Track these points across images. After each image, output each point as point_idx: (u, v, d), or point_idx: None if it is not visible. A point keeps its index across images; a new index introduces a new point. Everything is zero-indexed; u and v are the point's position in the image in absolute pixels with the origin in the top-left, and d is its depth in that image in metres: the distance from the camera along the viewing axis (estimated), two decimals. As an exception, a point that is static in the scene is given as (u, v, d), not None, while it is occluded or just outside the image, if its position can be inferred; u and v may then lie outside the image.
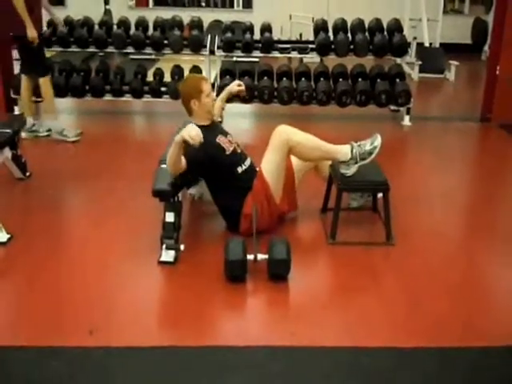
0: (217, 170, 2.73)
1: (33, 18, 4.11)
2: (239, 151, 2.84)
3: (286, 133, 2.75)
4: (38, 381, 1.87)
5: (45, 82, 4.38)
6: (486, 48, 8.35)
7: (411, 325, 2.17)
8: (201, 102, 2.74)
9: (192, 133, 2.38)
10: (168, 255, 2.55)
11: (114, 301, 2.33)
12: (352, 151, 2.71)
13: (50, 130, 4.38)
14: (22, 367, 1.93)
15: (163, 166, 2.69)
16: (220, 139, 2.75)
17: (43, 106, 4.51)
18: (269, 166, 2.75)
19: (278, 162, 2.74)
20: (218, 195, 2.82)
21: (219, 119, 2.92)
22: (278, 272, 2.41)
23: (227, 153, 2.74)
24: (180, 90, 2.86)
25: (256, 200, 2.71)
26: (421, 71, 7.01)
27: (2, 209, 3.08)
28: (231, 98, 3.52)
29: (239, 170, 2.76)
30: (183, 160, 2.55)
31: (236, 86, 3.18)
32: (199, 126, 2.59)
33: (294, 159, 2.89)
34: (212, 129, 2.79)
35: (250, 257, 2.40)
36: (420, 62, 6.99)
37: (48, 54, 5.52)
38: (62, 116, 5.41)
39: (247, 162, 2.82)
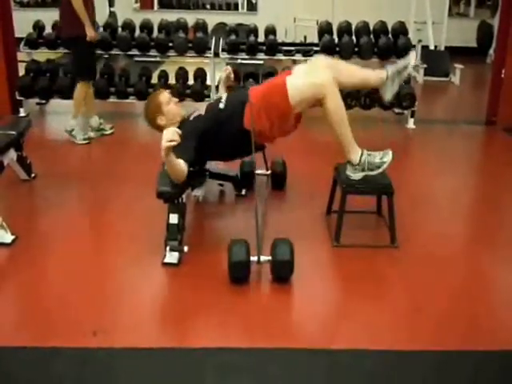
0: (208, 130, 2.71)
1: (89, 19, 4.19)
2: (212, 101, 2.87)
3: (328, 84, 2.59)
4: (42, 381, 1.87)
5: (80, 87, 4.38)
6: (491, 51, 8.33)
7: (414, 327, 2.16)
8: (164, 114, 2.82)
9: (168, 136, 2.33)
10: (172, 257, 2.55)
11: (118, 302, 2.33)
12: (361, 158, 2.69)
13: (73, 130, 4.39)
14: (26, 367, 1.93)
15: (166, 167, 2.69)
16: (193, 116, 2.82)
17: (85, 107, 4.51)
18: (295, 86, 2.62)
19: (305, 93, 2.62)
20: (223, 141, 2.75)
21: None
22: (281, 273, 2.41)
23: (203, 113, 2.80)
24: (145, 117, 2.90)
25: (261, 103, 2.64)
26: (426, 74, 7.00)
27: (7, 210, 3.08)
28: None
29: (221, 105, 2.77)
30: (181, 161, 2.53)
31: (223, 72, 3.23)
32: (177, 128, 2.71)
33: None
34: (185, 119, 2.86)
35: (254, 258, 2.39)
36: (425, 65, 6.98)
37: (53, 55, 5.57)
38: (67, 118, 5.44)
39: (224, 96, 2.85)
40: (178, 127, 2.77)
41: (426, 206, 3.30)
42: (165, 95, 2.88)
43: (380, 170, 2.68)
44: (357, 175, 2.72)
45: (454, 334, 2.13)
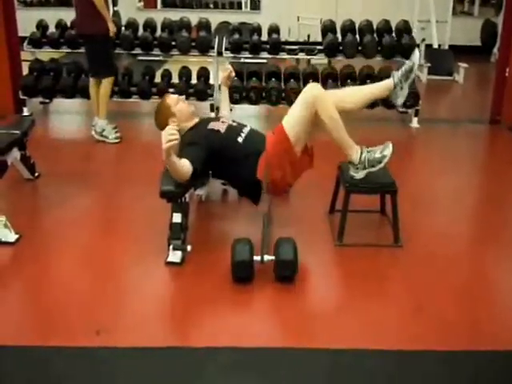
0: (220, 152, 2.71)
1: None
2: (235, 124, 2.86)
3: (316, 96, 2.62)
4: (45, 380, 1.87)
5: (106, 84, 4.38)
6: (496, 50, 8.29)
7: (417, 327, 2.15)
8: (175, 115, 2.83)
9: (166, 137, 2.32)
10: (175, 256, 2.55)
11: (121, 301, 2.33)
12: (361, 156, 2.68)
13: (103, 131, 4.38)
14: (29, 367, 1.93)
15: (168, 167, 2.69)
16: (212, 125, 2.80)
17: (95, 107, 4.48)
18: (291, 119, 2.68)
19: (301, 118, 2.64)
20: (231, 174, 2.80)
21: (231, 120, 2.94)
22: (284, 273, 2.40)
23: (222, 132, 2.76)
24: (157, 125, 2.89)
25: (272, 156, 2.65)
26: (430, 73, 6.97)
27: (11, 209, 3.09)
28: (238, 98, 3.51)
29: (239, 139, 2.75)
30: (186, 163, 2.54)
31: (223, 73, 3.21)
32: (190, 129, 2.79)
33: None
34: (202, 121, 2.88)
35: (257, 258, 2.39)
36: (429, 64, 6.96)
37: (56, 55, 5.58)
38: (71, 117, 5.46)
39: (246, 129, 2.83)
40: (192, 127, 2.80)
41: (429, 205, 3.29)
42: (171, 97, 2.91)
43: (382, 165, 2.67)
44: (360, 174, 2.72)
45: (456, 333, 2.12)
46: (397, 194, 2.72)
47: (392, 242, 2.75)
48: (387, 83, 2.79)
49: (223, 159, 2.74)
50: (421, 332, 2.13)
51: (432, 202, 3.36)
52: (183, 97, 2.98)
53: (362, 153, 2.68)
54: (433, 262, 2.64)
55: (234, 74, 3.26)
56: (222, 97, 3.31)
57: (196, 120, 2.91)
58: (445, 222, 3.09)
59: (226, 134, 2.76)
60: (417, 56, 2.79)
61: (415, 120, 4.99)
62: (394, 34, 5.02)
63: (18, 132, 3.27)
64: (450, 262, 2.66)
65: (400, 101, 2.81)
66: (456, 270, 2.60)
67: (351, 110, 2.79)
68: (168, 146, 2.32)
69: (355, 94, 2.83)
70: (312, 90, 2.66)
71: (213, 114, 4.82)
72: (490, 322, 2.20)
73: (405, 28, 5.05)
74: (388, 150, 2.67)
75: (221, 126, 2.79)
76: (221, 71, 3.24)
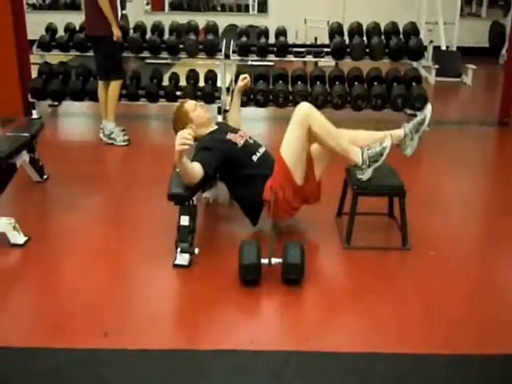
0: (233, 165, 2.75)
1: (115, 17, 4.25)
2: (252, 141, 2.88)
3: (306, 110, 2.67)
4: (53, 382, 1.88)
5: (115, 87, 4.41)
6: (504, 51, 8.26)
7: (426, 331, 2.14)
8: (193, 121, 2.85)
9: (180, 139, 2.33)
10: (183, 258, 2.56)
11: (129, 303, 2.34)
12: (362, 156, 2.68)
13: (112, 133, 4.40)
14: (37, 368, 1.94)
15: (178, 170, 2.70)
16: (230, 136, 2.82)
17: (103, 110, 4.49)
18: (287, 145, 2.69)
19: (296, 139, 2.66)
20: (238, 189, 2.84)
21: (248, 136, 2.96)
22: (291, 276, 2.40)
23: (239, 146, 2.79)
24: (175, 129, 2.89)
25: (276, 184, 2.68)
26: (437, 75, 6.95)
27: (20, 211, 3.12)
28: (246, 101, 3.52)
29: (254, 158, 2.78)
30: (197, 166, 2.55)
31: (240, 81, 3.22)
32: (207, 134, 2.81)
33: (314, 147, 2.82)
34: (220, 129, 2.91)
35: (265, 261, 2.39)
36: (437, 66, 6.94)
37: (65, 58, 5.62)
38: (79, 120, 5.49)
39: (261, 150, 2.86)
40: (210, 133, 2.83)
41: (437, 208, 3.27)
42: (190, 103, 2.94)
43: (384, 157, 2.66)
44: (366, 174, 2.71)
45: (465, 337, 2.11)
46: (405, 196, 2.72)
47: (400, 245, 2.74)
48: (398, 133, 2.78)
49: (234, 172, 2.77)
50: (430, 335, 2.11)
51: (440, 204, 3.34)
52: (202, 103, 2.99)
53: (362, 152, 2.69)
54: (442, 265, 2.63)
55: (249, 84, 3.29)
56: (234, 103, 3.32)
57: (214, 126, 2.93)
58: (453, 225, 3.07)
59: (242, 150, 2.79)
60: (429, 109, 2.79)
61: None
62: (401, 36, 5.01)
63: (27, 135, 3.29)
64: (459, 265, 2.64)
65: (409, 152, 2.80)
66: (465, 273, 2.58)
67: (315, 139, 2.77)
68: (180, 149, 2.33)
69: (368, 137, 2.79)
70: (301, 107, 2.69)
71: (220, 117, 4.83)
72: (497, 326, 2.18)
73: (412, 30, 5.04)
74: (387, 141, 2.67)
75: (238, 140, 2.81)
76: (230, 74, 3.24)
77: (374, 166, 2.68)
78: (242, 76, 3.28)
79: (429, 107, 2.83)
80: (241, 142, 2.81)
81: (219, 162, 2.67)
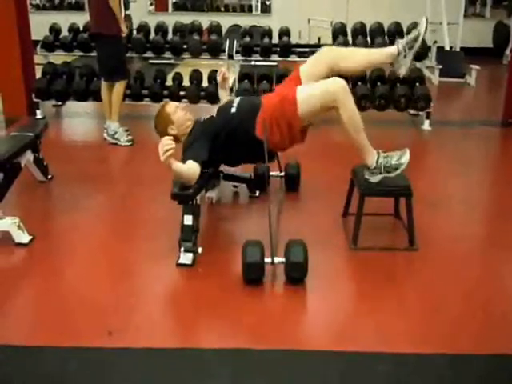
0: (219, 131, 2.73)
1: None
2: (225, 102, 2.89)
3: (339, 91, 2.57)
4: (57, 381, 1.89)
5: (119, 87, 4.42)
6: (508, 52, 8.24)
7: (430, 331, 2.14)
8: (174, 123, 2.87)
9: (162, 148, 2.34)
10: (186, 258, 2.56)
11: (133, 302, 2.34)
12: (377, 161, 2.66)
13: (116, 133, 4.42)
14: (42, 367, 1.95)
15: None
16: (203, 117, 2.87)
17: (107, 110, 4.51)
18: (306, 96, 2.62)
19: (317, 103, 2.60)
20: (234, 146, 2.77)
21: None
22: (294, 275, 2.40)
23: (214, 115, 2.82)
24: (157, 132, 2.93)
25: (272, 115, 2.65)
26: (441, 75, 6.95)
27: (24, 211, 3.13)
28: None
29: (232, 110, 2.78)
30: (191, 164, 2.56)
31: (219, 77, 3.22)
32: (188, 134, 2.83)
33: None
34: (197, 121, 2.90)
35: (268, 260, 2.39)
36: (440, 66, 6.93)
37: (69, 58, 5.64)
38: (83, 120, 5.51)
39: (236, 100, 2.86)
40: (191, 130, 2.83)
41: (442, 209, 3.26)
42: (170, 105, 2.94)
43: (398, 172, 2.65)
44: (375, 178, 2.70)
45: (469, 337, 2.10)
46: (412, 197, 2.71)
47: (407, 246, 2.74)
48: (391, 50, 2.77)
49: (223, 136, 2.73)
50: (434, 335, 2.11)
51: (445, 204, 3.33)
52: (183, 104, 2.99)
53: (378, 158, 2.66)
54: (448, 265, 2.62)
55: (228, 74, 3.25)
56: (221, 98, 3.28)
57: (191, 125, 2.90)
58: (459, 225, 3.07)
59: (218, 114, 2.82)
60: (424, 24, 2.74)
61: (427, 122, 4.97)
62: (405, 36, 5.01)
63: (31, 134, 3.30)
64: (465, 265, 2.64)
65: (403, 70, 2.78)
66: (471, 273, 2.58)
67: (353, 69, 2.79)
68: (166, 157, 2.34)
69: (360, 54, 2.85)
70: (335, 84, 2.59)
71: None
72: (502, 326, 2.18)
73: (416, 30, 5.03)
74: (405, 158, 2.64)
75: (211, 113, 2.85)
76: (233, 74, 3.24)
77: (384, 175, 2.67)
78: (219, 70, 3.24)
79: (423, 22, 2.76)
80: (214, 111, 2.84)
81: (207, 143, 2.67)
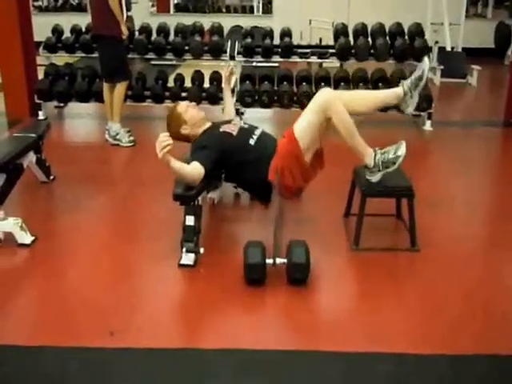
0: (233, 154, 2.74)
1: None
2: (246, 126, 2.89)
3: (327, 100, 2.61)
4: (58, 381, 1.90)
5: (121, 88, 4.42)
6: (509, 52, 8.25)
7: (430, 331, 2.14)
8: (187, 122, 2.87)
9: (159, 146, 2.36)
10: (188, 258, 2.57)
11: (135, 303, 2.35)
12: (375, 158, 2.67)
13: (117, 134, 4.42)
14: (43, 367, 1.96)
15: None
16: (224, 127, 2.83)
17: (109, 111, 4.51)
18: (301, 125, 2.66)
19: (313, 124, 2.63)
20: (243, 176, 2.82)
21: (242, 122, 2.97)
22: (296, 276, 2.41)
23: (235, 134, 2.79)
24: (170, 134, 2.89)
25: (282, 163, 2.66)
26: (442, 76, 6.94)
27: (27, 211, 3.14)
28: (251, 102, 3.52)
29: (251, 142, 2.77)
30: (196, 165, 2.57)
31: (226, 72, 3.26)
32: (202, 133, 2.84)
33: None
34: (214, 125, 2.92)
35: (269, 260, 2.40)
36: (442, 67, 6.93)
37: (71, 59, 5.65)
38: (85, 121, 5.52)
39: (257, 131, 2.85)
40: (204, 131, 2.85)
41: (444, 209, 3.27)
42: (181, 105, 2.95)
43: (396, 165, 2.65)
44: (376, 177, 2.70)
45: (470, 337, 2.11)
46: (414, 197, 2.71)
47: (409, 246, 2.74)
48: (397, 91, 2.77)
49: (235, 161, 2.76)
50: (434, 335, 2.12)
51: (447, 205, 3.33)
52: (193, 103, 3.01)
53: (375, 155, 2.67)
54: (450, 266, 2.62)
55: (234, 71, 3.31)
56: (225, 95, 3.37)
57: (208, 124, 2.94)
58: (461, 226, 3.07)
59: (238, 137, 2.78)
60: (426, 64, 2.76)
61: (428, 123, 4.97)
62: (406, 37, 5.01)
63: (33, 135, 3.31)
64: (467, 266, 2.64)
65: (410, 109, 2.80)
66: (473, 274, 2.58)
67: (361, 112, 2.76)
68: (163, 153, 2.35)
69: (366, 98, 2.82)
70: (324, 94, 2.65)
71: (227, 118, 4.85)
72: (503, 326, 2.18)
73: (417, 31, 5.04)
74: (402, 150, 2.65)
75: (232, 129, 2.81)
76: (225, 72, 3.27)
77: (384, 171, 2.68)
78: (226, 67, 3.30)
79: (426, 61, 2.77)
80: (235, 131, 2.81)
81: (217, 155, 2.67)
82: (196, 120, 2.89)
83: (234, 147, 2.75)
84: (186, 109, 2.90)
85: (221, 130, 2.82)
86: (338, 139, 2.66)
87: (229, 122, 2.94)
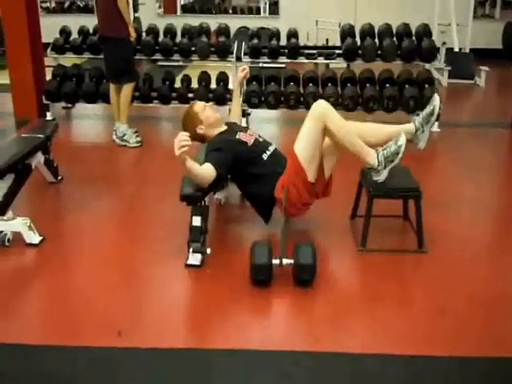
0: (244, 164, 2.76)
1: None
2: (261, 140, 2.90)
3: (323, 109, 2.64)
4: (65, 380, 1.91)
5: (128, 89, 4.44)
6: (518, 53, 8.20)
7: (439, 333, 2.13)
8: (203, 122, 2.88)
9: (178, 144, 2.36)
10: (195, 258, 2.57)
11: (142, 302, 2.36)
12: (378, 157, 2.67)
13: (124, 135, 4.44)
14: (50, 367, 1.96)
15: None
16: (240, 135, 2.84)
17: (116, 112, 4.54)
18: (301, 142, 2.68)
19: (311, 137, 2.65)
20: (249, 188, 2.84)
21: (258, 134, 2.98)
22: (302, 276, 2.40)
23: (249, 144, 2.80)
24: (185, 131, 2.89)
25: (288, 181, 2.69)
26: (450, 77, 6.92)
27: (35, 211, 3.16)
28: (257, 103, 3.53)
29: (264, 156, 2.80)
30: (209, 167, 2.58)
31: (240, 72, 3.28)
32: (217, 135, 2.84)
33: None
34: (231, 129, 2.93)
35: (276, 261, 2.40)
36: (449, 68, 6.90)
37: (79, 60, 5.69)
38: (93, 121, 5.55)
39: (271, 148, 2.87)
40: (220, 133, 2.87)
41: (451, 210, 3.25)
42: (198, 104, 2.96)
43: (400, 155, 2.63)
44: (382, 175, 2.69)
45: (476, 339, 2.10)
46: (421, 198, 2.71)
47: (416, 248, 2.73)
48: (409, 127, 2.77)
49: (245, 171, 2.79)
50: (441, 337, 2.11)
51: (454, 206, 3.32)
52: (210, 103, 3.02)
53: (378, 154, 2.67)
54: (458, 267, 2.61)
55: (248, 74, 3.34)
56: (235, 95, 3.39)
57: (224, 127, 2.95)
58: (469, 227, 3.05)
59: (252, 148, 2.81)
60: (437, 100, 2.78)
61: (436, 124, 4.94)
62: (413, 38, 4.99)
63: (41, 136, 3.34)
64: (474, 268, 2.63)
65: (422, 145, 2.80)
66: (480, 276, 2.57)
67: (372, 144, 2.73)
68: (180, 152, 2.36)
69: (378, 132, 2.80)
70: (318, 105, 2.67)
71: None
72: (507, 329, 2.16)
73: (425, 31, 5.02)
74: (402, 140, 2.64)
75: (248, 139, 2.83)
76: (239, 72, 3.29)
77: (390, 166, 2.67)
78: (240, 68, 3.31)
79: (436, 97, 2.80)
80: (251, 141, 2.82)
81: (230, 161, 2.70)
82: (212, 120, 2.90)
83: (248, 157, 2.77)
84: (204, 108, 2.91)
85: (237, 137, 2.83)
86: (334, 145, 2.66)
87: (245, 130, 2.96)
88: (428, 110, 2.78)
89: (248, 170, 2.78)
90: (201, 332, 2.19)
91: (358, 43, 5.02)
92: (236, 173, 2.84)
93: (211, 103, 3.08)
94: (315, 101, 2.76)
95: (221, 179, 2.79)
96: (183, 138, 2.38)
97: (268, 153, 2.82)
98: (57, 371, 1.94)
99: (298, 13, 8.61)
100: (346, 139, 2.65)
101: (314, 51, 5.23)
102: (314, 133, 2.64)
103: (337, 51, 5.12)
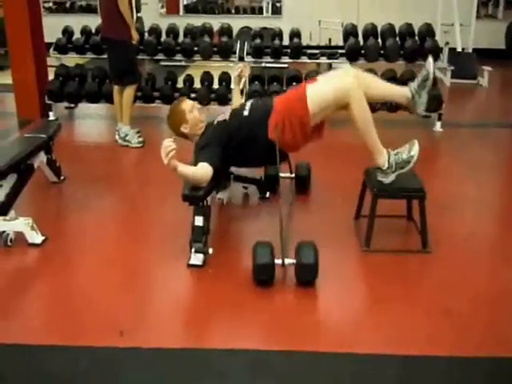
0: (232, 136, 2.73)
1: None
2: (237, 106, 2.89)
3: (351, 91, 2.56)
4: (67, 380, 1.91)
5: (130, 90, 4.44)
6: (521, 53, 8.17)
7: (441, 334, 2.13)
8: (188, 122, 2.85)
9: (165, 151, 2.38)
10: (197, 258, 2.57)
11: (144, 302, 2.36)
12: (389, 160, 2.65)
13: (126, 136, 4.44)
14: (52, 366, 1.97)
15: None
16: (217, 119, 2.86)
17: (118, 112, 4.54)
18: (316, 93, 2.62)
19: (326, 99, 2.60)
20: (248, 152, 2.78)
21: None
22: (304, 276, 2.40)
23: (227, 118, 2.81)
24: (169, 126, 2.94)
25: (281, 118, 2.65)
26: (453, 77, 6.90)
27: (38, 211, 3.16)
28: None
29: (245, 113, 2.77)
30: (203, 165, 2.57)
31: (236, 71, 3.27)
32: (201, 135, 2.83)
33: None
34: (209, 123, 2.91)
35: (278, 261, 2.39)
36: (452, 68, 6.89)
37: (81, 60, 5.69)
38: (95, 121, 5.55)
39: (248, 103, 2.85)
40: (203, 133, 2.83)
41: (455, 211, 3.24)
42: (187, 103, 2.92)
43: (411, 165, 2.63)
44: (389, 178, 2.69)
45: (480, 339, 2.09)
46: (425, 198, 2.69)
47: (420, 248, 2.72)
48: (405, 92, 2.75)
49: (237, 141, 2.73)
50: (444, 337, 2.10)
51: (458, 206, 3.31)
52: (199, 105, 3.00)
53: (389, 157, 2.65)
54: (462, 268, 2.60)
55: (248, 72, 3.31)
56: (234, 96, 3.38)
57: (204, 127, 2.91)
58: (473, 228, 3.04)
59: (230, 118, 2.80)
60: (431, 64, 2.74)
61: (438, 124, 4.93)
62: (416, 38, 4.98)
63: (44, 136, 3.34)
64: (478, 268, 2.62)
65: (420, 110, 2.78)
66: (484, 276, 2.56)
67: (373, 98, 2.71)
68: (169, 159, 2.36)
69: (384, 86, 2.81)
70: (348, 81, 2.59)
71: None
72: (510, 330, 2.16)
73: (427, 31, 5.01)
74: (415, 149, 2.63)
75: (224, 115, 2.85)
76: (236, 71, 3.28)
77: (398, 172, 2.66)
78: (237, 66, 3.31)
79: (430, 60, 2.75)
80: (227, 114, 2.83)
81: (220, 152, 2.67)
82: (197, 122, 2.87)
83: (232, 129, 2.75)
84: (191, 109, 2.88)
85: (215, 122, 2.84)
86: (353, 135, 2.62)
87: (220, 113, 2.94)
88: (422, 75, 2.74)
89: (238, 136, 2.72)
90: (203, 332, 2.19)
91: (361, 43, 5.01)
92: (233, 151, 2.74)
93: (200, 105, 3.05)
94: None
95: (222, 175, 2.78)
96: (167, 144, 2.38)
97: (247, 108, 2.80)
98: (58, 371, 1.94)
99: (301, 13, 8.60)
100: (366, 131, 2.61)
101: (317, 51, 5.23)
102: (332, 102, 2.60)
103: (339, 51, 5.12)
